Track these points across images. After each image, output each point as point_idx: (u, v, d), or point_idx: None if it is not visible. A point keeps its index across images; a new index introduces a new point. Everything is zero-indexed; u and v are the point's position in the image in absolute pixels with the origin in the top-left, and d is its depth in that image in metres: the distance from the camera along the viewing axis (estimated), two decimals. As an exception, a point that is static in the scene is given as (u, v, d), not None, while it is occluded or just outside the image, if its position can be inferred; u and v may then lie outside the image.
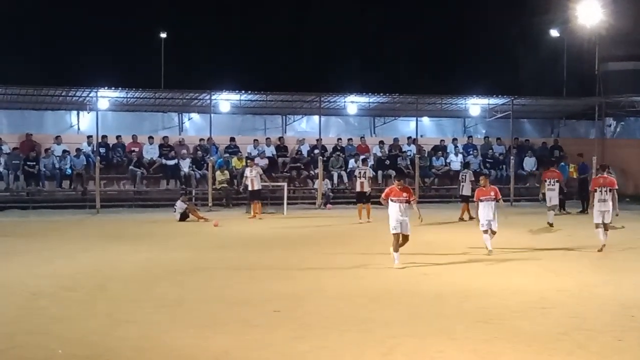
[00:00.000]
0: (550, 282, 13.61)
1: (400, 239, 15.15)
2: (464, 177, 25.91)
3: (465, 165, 28.69)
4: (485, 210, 16.69)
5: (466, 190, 25.12)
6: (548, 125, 38.55)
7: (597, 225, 17.92)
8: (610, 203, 17.74)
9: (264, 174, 26.97)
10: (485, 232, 16.70)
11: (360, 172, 25.31)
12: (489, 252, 16.50)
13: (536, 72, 43.83)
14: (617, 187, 18.24)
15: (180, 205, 24.78)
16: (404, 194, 15.31)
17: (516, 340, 9.62)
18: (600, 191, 17.96)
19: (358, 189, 25.01)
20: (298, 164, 31.92)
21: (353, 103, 33.26)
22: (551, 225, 22.68)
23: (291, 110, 34.40)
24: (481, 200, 16.79)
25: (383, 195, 15.72)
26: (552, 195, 23.29)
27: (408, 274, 14.35)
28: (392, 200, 15.32)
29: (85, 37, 45.99)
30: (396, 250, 15.11)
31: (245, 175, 26.74)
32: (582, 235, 20.62)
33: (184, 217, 24.50)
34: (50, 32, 45.42)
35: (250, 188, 25.98)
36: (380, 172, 32.07)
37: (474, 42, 48.11)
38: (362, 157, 27.93)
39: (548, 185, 23.59)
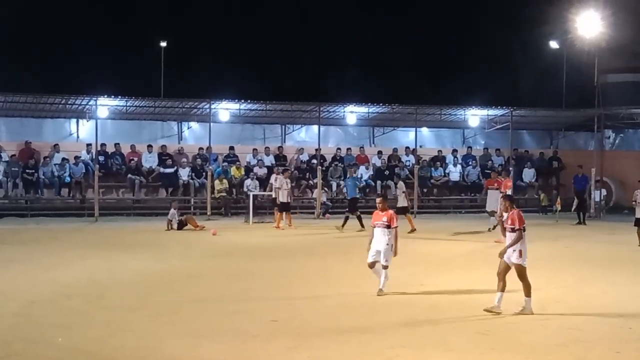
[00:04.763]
0: (549, 293, 13.57)
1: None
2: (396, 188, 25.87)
3: (396, 176, 28.34)
4: (376, 239, 13.37)
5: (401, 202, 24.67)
6: (547, 136, 38.64)
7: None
8: None
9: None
10: (371, 265, 13.39)
11: (283, 183, 25.81)
12: (380, 291, 13.19)
13: (535, 84, 43.88)
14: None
15: (172, 213, 24.69)
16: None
17: (514, 351, 9.60)
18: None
19: (282, 199, 25.74)
20: (300, 175, 31.90)
21: (352, 113, 33.31)
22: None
23: (290, 119, 34.44)
24: (374, 226, 13.51)
25: (518, 224, 11.98)
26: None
27: (406, 284, 14.32)
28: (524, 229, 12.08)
29: (84, 46, 46.00)
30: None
31: (276, 186, 26.13)
32: (580, 247, 20.67)
33: (181, 225, 24.49)
34: (50, 40, 45.40)
35: (282, 200, 25.76)
36: (379, 182, 32.09)
37: (474, 53, 48.15)
38: (282, 168, 28.57)
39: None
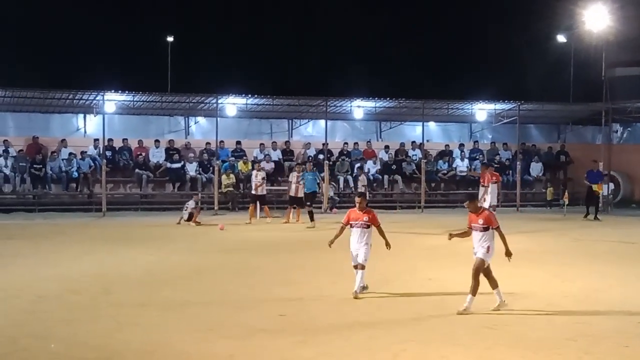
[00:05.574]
0: (556, 287, 13.56)
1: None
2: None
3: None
4: (354, 239, 12.89)
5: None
6: (554, 130, 38.54)
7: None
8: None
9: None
10: (355, 267, 12.86)
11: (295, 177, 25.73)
12: (354, 293, 12.58)
13: (543, 78, 43.73)
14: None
15: (191, 205, 24.83)
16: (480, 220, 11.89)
17: (521, 346, 9.58)
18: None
19: (292, 193, 25.61)
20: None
21: (359, 107, 33.28)
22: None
23: (297, 114, 34.41)
24: (352, 226, 12.98)
25: (495, 223, 11.84)
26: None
27: (412, 279, 14.32)
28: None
29: (92, 41, 46.05)
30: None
31: (290, 180, 26.34)
32: (588, 242, 20.63)
33: (190, 217, 24.59)
34: (57, 36, 45.47)
35: (293, 194, 25.79)
36: (386, 177, 32.08)
37: (481, 47, 48.00)
38: (299, 160, 28.11)
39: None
